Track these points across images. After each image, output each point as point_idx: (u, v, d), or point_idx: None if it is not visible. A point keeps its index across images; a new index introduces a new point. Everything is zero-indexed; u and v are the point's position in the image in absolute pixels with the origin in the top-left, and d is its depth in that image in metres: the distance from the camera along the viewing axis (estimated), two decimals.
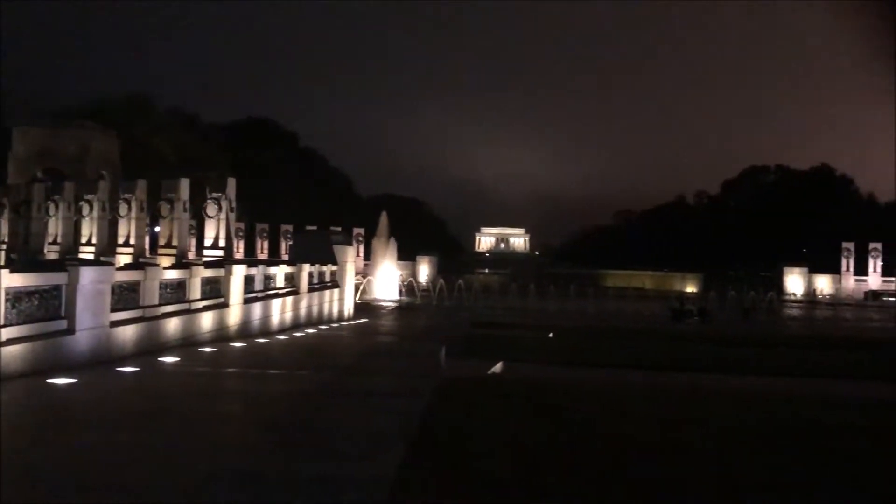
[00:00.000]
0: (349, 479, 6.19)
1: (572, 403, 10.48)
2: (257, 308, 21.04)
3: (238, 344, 17.22)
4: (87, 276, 12.23)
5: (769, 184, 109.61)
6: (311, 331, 23.31)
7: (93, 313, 12.39)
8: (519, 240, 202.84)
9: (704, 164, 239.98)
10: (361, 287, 43.42)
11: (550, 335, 25.51)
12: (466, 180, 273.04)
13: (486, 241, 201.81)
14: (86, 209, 34.94)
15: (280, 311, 23.07)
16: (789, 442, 8.60)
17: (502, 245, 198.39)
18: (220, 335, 17.96)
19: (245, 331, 19.69)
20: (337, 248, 30.97)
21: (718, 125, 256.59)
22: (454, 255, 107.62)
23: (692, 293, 62.08)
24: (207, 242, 32.83)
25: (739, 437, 8.71)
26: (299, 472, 6.35)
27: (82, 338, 12.05)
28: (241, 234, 59.53)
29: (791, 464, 7.54)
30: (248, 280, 20.77)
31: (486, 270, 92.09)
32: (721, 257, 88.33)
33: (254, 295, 21.14)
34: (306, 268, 26.11)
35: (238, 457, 6.81)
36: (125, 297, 13.94)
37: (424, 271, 64.16)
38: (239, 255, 54.90)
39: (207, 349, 15.59)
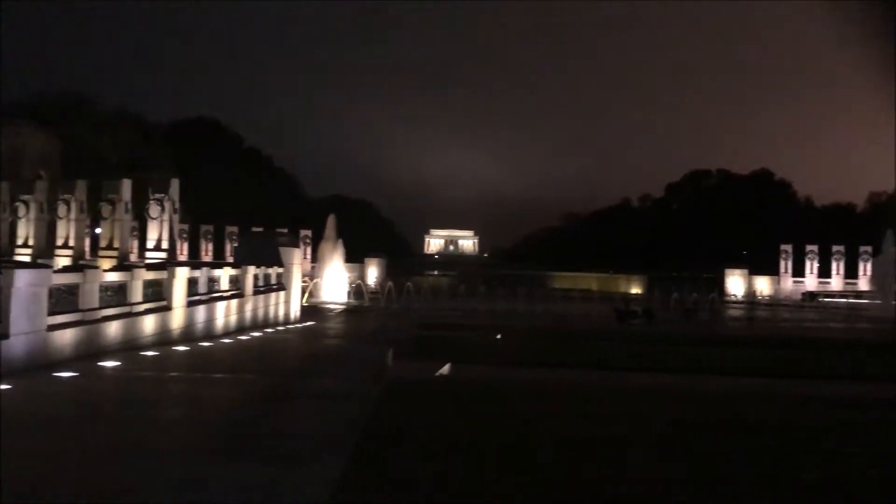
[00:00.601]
0: (293, 483, 6.14)
1: (517, 403, 10.59)
2: (201, 311, 20.70)
3: (181, 348, 16.92)
4: (22, 278, 11.89)
5: (711, 187, 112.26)
6: (256, 334, 23.03)
7: (29, 317, 12.05)
8: (468, 242, 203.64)
9: (649, 168, 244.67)
10: (308, 289, 43.05)
11: (498, 336, 25.62)
12: (416, 182, 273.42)
13: (435, 243, 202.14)
14: (21, 210, 33.92)
15: (225, 314, 22.73)
16: (724, 437, 8.83)
17: (451, 247, 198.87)
18: (163, 339, 17.62)
19: (189, 334, 19.35)
20: (283, 250, 30.65)
21: (663, 129, 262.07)
22: (403, 257, 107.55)
23: (637, 294, 63.13)
24: (150, 244, 32.21)
25: (678, 433, 8.93)
26: (241, 477, 6.27)
27: (17, 342, 11.69)
28: (184, 235, 58.46)
29: (724, 458, 7.75)
30: (192, 282, 20.43)
31: (436, 272, 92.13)
32: (665, 259, 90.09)
33: (198, 298, 20.79)
34: (251, 270, 25.78)
35: (177, 463, 6.69)
36: (64, 300, 13.59)
37: (373, 273, 63.89)
38: (182, 257, 53.90)
39: (150, 353, 15.29)
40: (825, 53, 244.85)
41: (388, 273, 63.57)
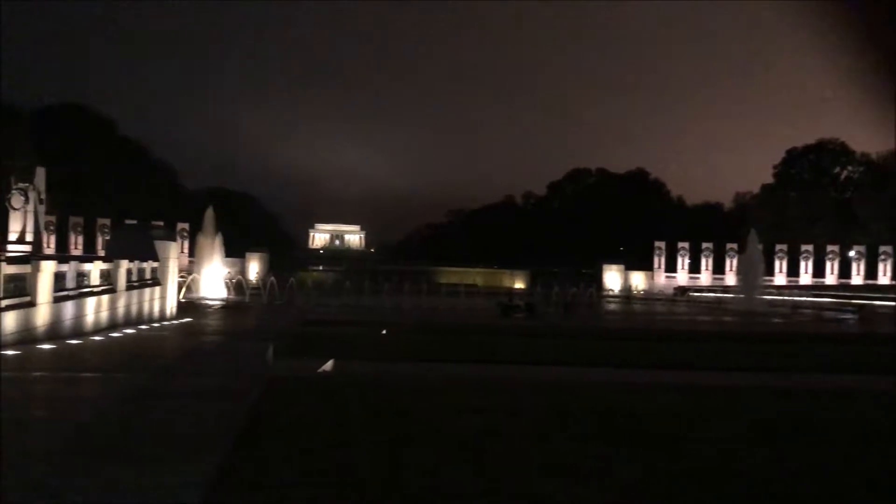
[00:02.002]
0: (163, 484, 5.86)
1: (399, 398, 10.56)
2: (69, 307, 19.58)
3: (47, 346, 15.94)
4: None
5: (590, 186, 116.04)
6: (129, 331, 22.01)
7: None
8: (354, 237, 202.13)
9: (532, 166, 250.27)
10: (186, 285, 41.55)
11: (384, 332, 25.58)
12: (301, 176, 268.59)
13: (320, 237, 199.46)
14: None
15: (95, 310, 21.59)
16: (597, 425, 9.12)
17: (337, 242, 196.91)
18: (27, 336, 16.56)
19: (56, 332, 18.26)
20: (158, 244, 29.44)
21: (546, 128, 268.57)
22: (287, 252, 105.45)
23: (520, 289, 64.49)
24: (12, 237, 30.18)
25: (549, 422, 9.18)
26: (108, 479, 5.93)
27: None
28: (51, 228, 55.21)
29: (594, 444, 8.01)
30: (59, 277, 19.27)
31: (321, 267, 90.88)
32: (547, 255, 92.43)
33: (65, 293, 19.64)
34: (124, 264, 24.62)
35: (41, 465, 6.27)
36: None
37: (254, 268, 62.38)
38: (49, 250, 50.96)
39: (10, 352, 14.30)
40: (697, 58, 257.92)
41: (270, 268, 62.22)
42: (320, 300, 43.36)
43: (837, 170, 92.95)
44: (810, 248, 66.02)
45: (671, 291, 64.91)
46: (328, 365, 15.92)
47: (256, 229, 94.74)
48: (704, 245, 68.24)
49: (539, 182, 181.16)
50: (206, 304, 39.36)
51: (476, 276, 74.66)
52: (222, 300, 42.49)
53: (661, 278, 68.73)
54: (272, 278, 46.92)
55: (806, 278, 64.83)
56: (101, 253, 47.80)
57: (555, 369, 16.51)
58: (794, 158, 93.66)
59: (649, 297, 61.56)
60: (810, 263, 65.42)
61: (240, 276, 50.30)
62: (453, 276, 74.67)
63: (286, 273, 51.86)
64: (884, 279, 62.07)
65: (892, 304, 50.42)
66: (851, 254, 65.21)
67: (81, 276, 21.33)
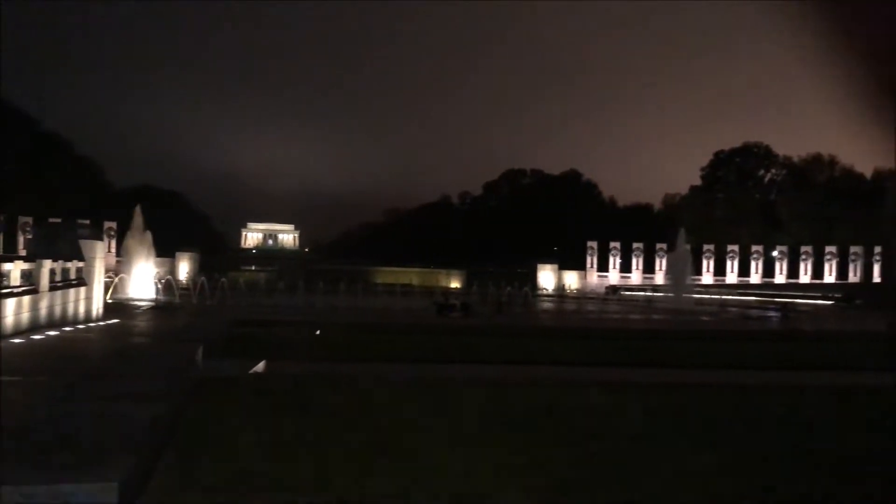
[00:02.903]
0: (81, 490, 5.64)
1: (331, 398, 10.45)
2: None
3: None
4: None
5: (525, 186, 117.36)
6: (52, 333, 21.21)
7: None
8: (288, 236, 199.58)
9: (469, 166, 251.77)
10: (113, 285, 40.33)
11: (318, 332, 25.30)
12: (232, 174, 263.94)
13: (252, 237, 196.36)
14: None
15: (15, 311, 20.73)
16: (526, 421, 9.20)
17: (270, 241, 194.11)
18: None
19: None
20: (84, 243, 28.43)
21: (483, 129, 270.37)
22: (218, 252, 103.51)
23: (456, 289, 64.70)
24: None
25: (481, 421, 9.21)
26: (23, 485, 5.67)
27: None
28: None
29: (529, 440, 8.07)
30: None
31: (253, 267, 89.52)
32: (483, 254, 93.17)
33: None
34: (47, 264, 23.70)
35: None
36: None
37: (185, 269, 60.96)
38: None
39: None
40: (630, 61, 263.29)
41: (201, 268, 60.87)
42: (253, 300, 42.61)
43: (762, 172, 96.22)
44: (736, 248, 68.06)
45: (603, 290, 66.00)
46: (260, 366, 15.65)
47: (187, 228, 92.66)
48: (635, 245, 69.67)
49: (475, 182, 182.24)
50: (135, 304, 38.25)
51: (412, 276, 74.62)
52: (151, 301, 41.35)
53: (593, 277, 69.86)
54: (203, 278, 45.87)
55: (732, 277, 66.83)
56: (23, 252, 45.99)
57: (489, 368, 16.61)
58: (720, 161, 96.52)
59: (582, 295, 62.48)
60: (736, 263, 67.43)
61: (169, 277, 49.05)
62: (389, 275, 74.50)
63: (218, 273, 50.80)
64: (805, 278, 64.45)
65: (812, 302, 52.47)
66: (775, 254, 67.49)
67: (0, 277, 20.46)
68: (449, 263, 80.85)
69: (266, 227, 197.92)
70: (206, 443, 7.46)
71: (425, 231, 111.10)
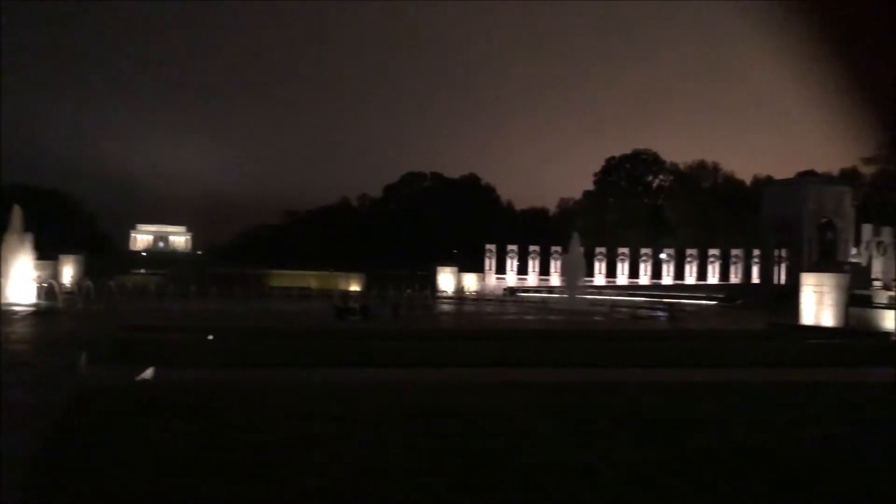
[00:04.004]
0: None
1: (219, 405, 10.21)
2: None
3: None
4: None
5: (425, 189, 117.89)
6: None
7: None
8: (180, 238, 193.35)
9: (369, 168, 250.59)
10: None
11: (210, 337, 24.59)
12: (121, 174, 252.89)
13: (142, 239, 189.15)
14: None
15: None
16: (421, 424, 9.27)
17: (161, 244, 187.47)
18: None
19: None
20: None
21: (383, 131, 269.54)
22: (106, 255, 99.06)
23: (356, 292, 64.24)
24: None
25: (373, 425, 9.22)
26: None
27: None
28: None
29: (419, 443, 8.14)
30: None
31: (143, 271, 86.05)
32: (383, 257, 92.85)
33: None
34: None
35: None
36: None
37: (69, 272, 58.07)
38: None
39: None
40: (525, 67, 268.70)
41: (87, 271, 58.10)
42: (142, 305, 41.06)
43: (650, 178, 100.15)
44: (626, 250, 70.57)
45: (501, 292, 67.12)
46: (148, 373, 15.11)
47: (72, 230, 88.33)
48: (531, 248, 71.21)
49: (375, 185, 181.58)
50: (14, 310, 36.15)
51: (310, 279, 73.57)
52: (32, 306, 39.19)
53: (491, 280, 70.93)
54: (89, 282, 43.85)
55: (622, 279, 69.27)
56: None
57: (384, 371, 16.63)
58: (612, 167, 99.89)
59: (480, 297, 63.31)
60: (626, 265, 69.95)
61: (52, 280, 46.62)
62: (286, 278, 73.19)
63: (105, 277, 48.68)
64: (690, 279, 67.48)
65: (697, 302, 55.03)
66: (662, 256, 70.38)
67: None
68: (348, 266, 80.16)
69: (157, 228, 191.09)
70: (85, 455, 7.14)
71: (324, 233, 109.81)
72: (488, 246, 71.58)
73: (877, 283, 44.81)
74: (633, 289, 64.10)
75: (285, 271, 78.75)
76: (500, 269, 71.56)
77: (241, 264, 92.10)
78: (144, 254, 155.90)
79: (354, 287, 70.29)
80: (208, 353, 19.96)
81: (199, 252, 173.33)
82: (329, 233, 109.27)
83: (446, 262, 72.17)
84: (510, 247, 71.40)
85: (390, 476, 6.93)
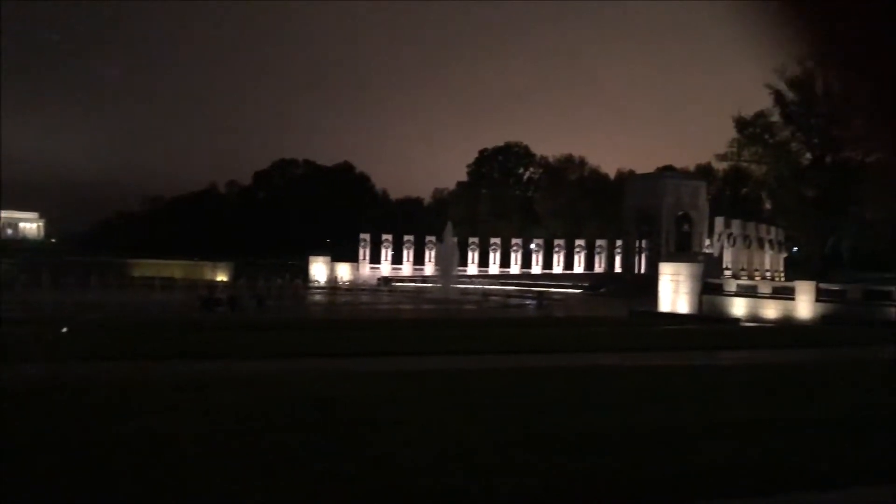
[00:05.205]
0: None
1: (68, 402, 9.63)
2: None
3: None
4: None
5: (298, 177, 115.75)
6: None
7: None
8: (30, 225, 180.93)
9: (238, 154, 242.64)
10: None
11: (64, 330, 23.22)
12: None
13: None
14: None
15: None
16: (297, 416, 9.08)
17: (9, 231, 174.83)
18: None
19: None
20: None
21: (251, 116, 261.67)
22: None
23: (224, 282, 62.33)
24: None
25: (229, 417, 8.99)
26: None
27: None
28: None
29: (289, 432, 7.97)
30: None
31: None
32: (253, 246, 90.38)
33: None
34: None
35: None
36: None
37: None
38: None
39: None
40: (402, 56, 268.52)
41: None
42: None
43: (521, 170, 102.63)
44: (498, 240, 72.02)
45: (375, 282, 66.97)
46: None
47: None
48: (406, 237, 71.38)
49: (246, 172, 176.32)
50: None
51: (174, 269, 70.81)
52: None
53: (365, 269, 70.64)
54: None
55: (494, 268, 70.65)
56: None
57: (249, 363, 16.27)
58: (485, 159, 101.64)
59: (354, 287, 62.96)
60: (498, 255, 71.38)
61: None
62: (149, 268, 70.05)
63: None
64: (558, 269, 69.72)
65: (564, 290, 56.96)
66: (532, 246, 72.30)
67: None
68: (216, 256, 77.56)
69: (5, 215, 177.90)
70: None
71: (190, 221, 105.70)
72: (362, 235, 71.20)
73: (727, 273, 47.93)
74: (504, 278, 65.51)
75: (148, 260, 75.38)
76: (375, 259, 71.36)
77: (100, 253, 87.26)
78: None
79: (222, 277, 68.21)
80: (61, 347, 18.80)
81: (54, 240, 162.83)
82: (195, 221, 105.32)
83: (319, 252, 71.23)
84: (385, 236, 71.29)
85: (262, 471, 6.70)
